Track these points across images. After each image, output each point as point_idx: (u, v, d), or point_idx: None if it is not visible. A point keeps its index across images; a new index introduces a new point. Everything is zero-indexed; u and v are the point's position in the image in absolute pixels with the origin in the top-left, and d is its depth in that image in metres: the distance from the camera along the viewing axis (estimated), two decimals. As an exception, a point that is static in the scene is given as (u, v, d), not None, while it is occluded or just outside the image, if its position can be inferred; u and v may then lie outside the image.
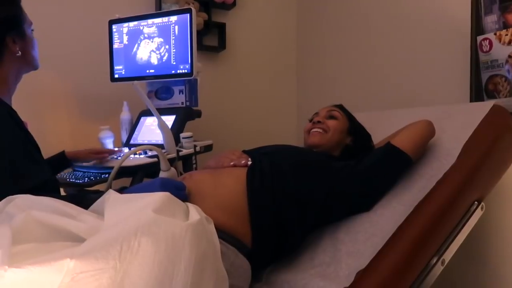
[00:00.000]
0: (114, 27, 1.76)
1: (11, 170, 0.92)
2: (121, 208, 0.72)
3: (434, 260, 0.93)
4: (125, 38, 1.74)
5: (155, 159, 1.43)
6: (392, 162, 1.12)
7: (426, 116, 1.23)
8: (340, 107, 1.34)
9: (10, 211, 0.73)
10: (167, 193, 0.75)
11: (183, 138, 1.58)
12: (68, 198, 0.84)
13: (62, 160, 1.42)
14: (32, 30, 1.15)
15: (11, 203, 0.75)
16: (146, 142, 1.70)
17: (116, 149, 1.58)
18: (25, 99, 1.19)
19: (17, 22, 1.09)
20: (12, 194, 0.79)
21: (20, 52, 1.08)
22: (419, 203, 0.99)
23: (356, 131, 1.30)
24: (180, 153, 1.53)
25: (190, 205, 0.81)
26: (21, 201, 0.76)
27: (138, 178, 1.43)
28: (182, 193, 0.87)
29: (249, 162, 1.06)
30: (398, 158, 1.12)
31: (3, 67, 1.07)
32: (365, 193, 1.09)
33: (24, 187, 0.86)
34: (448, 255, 0.96)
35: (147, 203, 0.70)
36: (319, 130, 1.25)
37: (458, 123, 1.25)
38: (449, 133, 1.21)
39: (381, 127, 1.36)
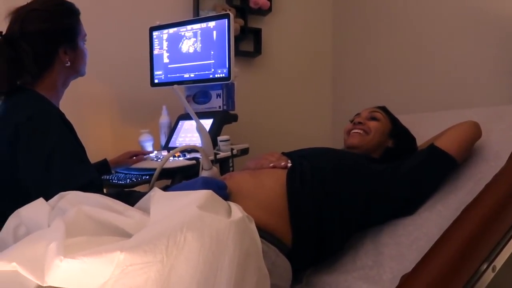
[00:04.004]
0: (154, 33, 1.82)
1: (61, 169, 0.96)
2: (166, 205, 0.74)
3: (484, 266, 0.89)
4: (165, 44, 1.80)
5: (194, 162, 1.46)
6: (436, 164, 1.09)
7: (473, 117, 1.19)
8: (383, 109, 1.31)
9: (62, 206, 0.76)
10: (210, 191, 0.76)
11: (220, 141, 1.60)
12: (114, 196, 0.87)
13: (104, 167, 1.47)
14: (85, 41, 1.21)
15: (63, 199, 0.79)
16: (184, 145, 1.73)
17: (153, 156, 1.62)
18: (69, 104, 1.25)
19: (71, 35, 1.15)
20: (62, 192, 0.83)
21: (69, 63, 1.14)
22: (467, 206, 0.94)
23: (398, 134, 1.26)
24: (218, 156, 1.55)
25: (231, 203, 0.81)
26: (72, 197, 0.79)
27: (177, 180, 1.46)
28: (223, 192, 0.88)
29: (289, 164, 1.05)
30: (442, 160, 1.08)
31: (53, 74, 1.13)
32: (408, 197, 1.06)
33: (73, 185, 0.90)
34: (500, 261, 0.91)
35: (191, 200, 0.71)
36: (359, 131, 1.23)
37: (506, 124, 1.19)
38: (497, 135, 1.16)
39: (424, 130, 1.32)
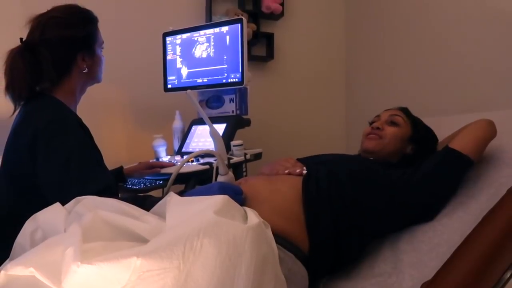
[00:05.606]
0: (168, 39, 1.83)
1: (79, 174, 0.97)
2: (182, 210, 0.73)
3: (508, 274, 0.86)
4: (178, 49, 1.80)
5: (207, 166, 1.45)
6: (452, 166, 1.06)
7: (494, 120, 1.15)
8: (405, 111, 1.27)
9: (78, 210, 0.76)
10: (226, 196, 0.75)
11: (233, 146, 1.59)
12: (130, 200, 0.87)
13: (119, 175, 1.44)
14: (102, 48, 1.22)
15: (79, 203, 0.79)
16: (197, 150, 1.72)
17: (167, 160, 1.61)
18: (84, 109, 1.26)
19: (90, 42, 1.16)
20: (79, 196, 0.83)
21: (86, 69, 1.16)
22: (489, 212, 0.92)
23: (419, 140, 1.23)
24: (231, 161, 1.54)
25: (247, 209, 0.81)
26: (89, 201, 0.79)
27: (191, 185, 1.46)
28: (239, 197, 0.87)
29: (304, 171, 1.04)
30: (458, 161, 1.05)
31: (71, 80, 1.14)
32: (427, 201, 1.03)
33: (90, 190, 0.90)
34: (524, 269, 0.88)
35: (208, 205, 0.71)
36: (376, 136, 1.21)
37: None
38: (521, 138, 1.13)
39: (442, 135, 1.28)
